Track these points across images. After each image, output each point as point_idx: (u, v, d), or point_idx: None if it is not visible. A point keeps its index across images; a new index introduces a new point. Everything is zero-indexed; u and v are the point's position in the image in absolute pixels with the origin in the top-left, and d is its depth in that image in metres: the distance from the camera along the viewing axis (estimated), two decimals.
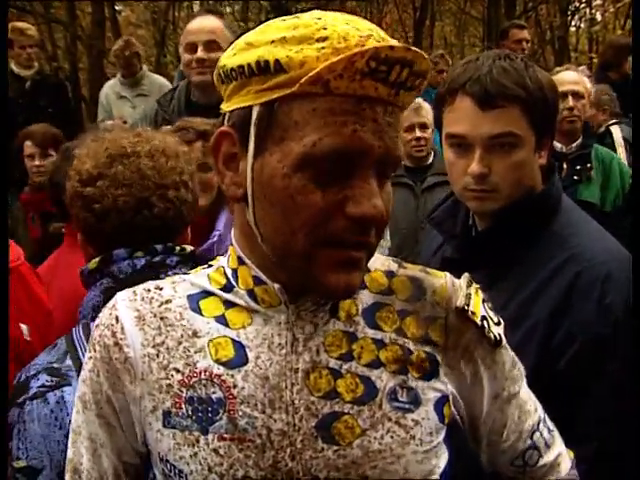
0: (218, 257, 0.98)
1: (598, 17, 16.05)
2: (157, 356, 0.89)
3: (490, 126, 1.32)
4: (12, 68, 4.79)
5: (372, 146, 0.77)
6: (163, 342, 0.90)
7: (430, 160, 3.50)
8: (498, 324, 0.97)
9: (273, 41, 0.78)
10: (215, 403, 0.86)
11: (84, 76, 12.53)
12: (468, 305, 0.93)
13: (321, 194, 0.78)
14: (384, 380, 0.88)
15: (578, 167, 3.15)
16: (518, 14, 11.97)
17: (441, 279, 0.96)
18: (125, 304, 0.92)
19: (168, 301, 0.92)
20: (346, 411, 0.86)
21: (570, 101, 3.10)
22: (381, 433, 0.86)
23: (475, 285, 0.98)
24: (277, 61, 0.77)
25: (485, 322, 0.94)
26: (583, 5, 15.32)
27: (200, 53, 2.99)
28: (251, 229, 0.85)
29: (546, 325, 1.30)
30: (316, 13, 0.81)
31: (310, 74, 0.74)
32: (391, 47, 0.74)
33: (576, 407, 1.26)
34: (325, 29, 0.77)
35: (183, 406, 0.87)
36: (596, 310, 1.27)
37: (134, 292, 0.94)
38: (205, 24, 3.07)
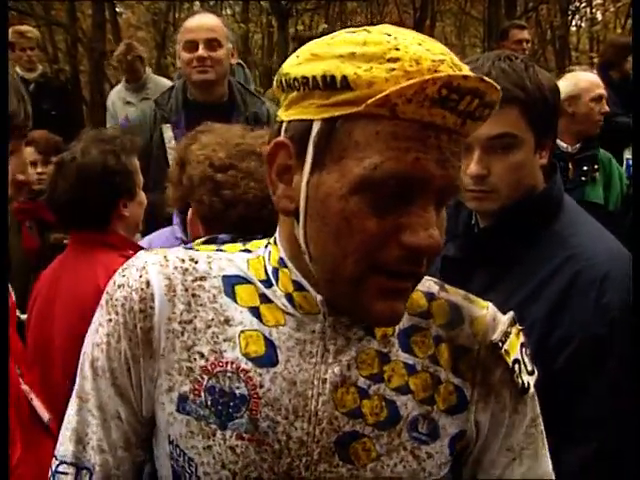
0: (254, 242, 0.95)
1: (599, 17, 16.05)
2: (182, 334, 0.86)
3: (488, 127, 1.28)
4: (17, 71, 4.77)
5: (434, 175, 0.75)
6: (191, 321, 0.86)
7: None
8: (531, 373, 0.93)
9: (341, 55, 0.75)
10: (238, 399, 0.84)
11: (85, 78, 12.54)
12: (503, 342, 0.90)
13: (377, 220, 0.75)
14: (409, 408, 0.87)
15: (585, 168, 3.16)
16: (519, 14, 11.95)
17: (482, 310, 0.93)
18: (156, 269, 0.87)
19: (203, 278, 0.88)
20: (367, 433, 0.85)
21: (605, 106, 3.12)
22: (395, 461, 0.85)
23: (518, 327, 0.94)
24: (344, 77, 0.74)
25: (517, 366, 0.91)
26: (584, 5, 15.31)
27: (201, 51, 2.98)
28: (298, 243, 0.83)
29: (544, 324, 1.30)
30: (387, 28, 0.78)
31: (378, 96, 0.72)
32: (465, 77, 0.72)
33: (574, 406, 1.27)
34: (397, 49, 0.74)
35: (202, 394, 0.85)
36: (594, 309, 1.28)
37: (165, 257, 0.89)
38: (205, 22, 3.07)
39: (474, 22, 15.93)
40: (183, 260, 0.89)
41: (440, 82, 0.71)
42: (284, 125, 0.82)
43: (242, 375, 0.84)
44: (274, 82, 0.86)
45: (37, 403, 1.38)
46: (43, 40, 13.09)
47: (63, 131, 3.81)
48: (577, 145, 3.20)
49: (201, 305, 0.87)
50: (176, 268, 0.88)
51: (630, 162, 4.23)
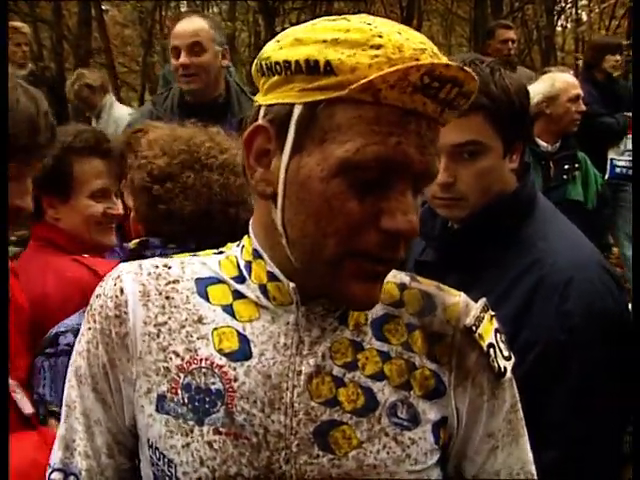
0: (229, 244, 0.96)
1: (584, 17, 16.17)
2: (157, 336, 0.88)
3: (453, 135, 1.30)
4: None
5: (414, 160, 0.77)
6: (165, 322, 0.88)
7: None
8: (508, 358, 0.94)
9: (325, 41, 0.76)
10: (214, 394, 0.85)
11: (70, 76, 12.46)
12: (477, 327, 0.91)
13: (358, 203, 0.76)
14: (386, 394, 0.87)
15: (566, 167, 3.20)
16: (505, 14, 12.00)
17: (455, 297, 0.94)
18: (131, 277, 0.90)
19: (175, 281, 0.90)
20: (345, 421, 0.85)
21: (581, 105, 3.16)
22: (377, 448, 0.85)
23: (491, 312, 0.95)
24: (328, 62, 0.75)
25: (492, 350, 0.92)
26: (569, 5, 15.41)
27: (183, 58, 2.97)
28: (274, 228, 0.84)
29: (511, 327, 1.29)
30: (366, 17, 0.79)
31: (362, 81, 0.73)
32: (446, 65, 0.73)
33: (539, 410, 1.26)
34: (380, 37, 0.75)
35: (179, 392, 0.86)
36: (555, 315, 1.29)
37: (140, 266, 0.92)
38: (188, 27, 3.04)
39: (460, 22, 15.99)
40: (156, 266, 0.92)
41: (423, 69, 0.72)
42: (262, 109, 0.83)
43: (217, 370, 0.85)
44: (253, 66, 0.86)
45: (19, 396, 1.39)
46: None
47: None
48: (557, 144, 3.25)
49: (175, 307, 0.89)
50: (149, 274, 0.90)
51: (614, 162, 4.28)
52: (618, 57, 4.63)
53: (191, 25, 3.05)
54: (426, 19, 15.24)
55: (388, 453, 0.85)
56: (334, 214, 0.77)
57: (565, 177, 3.19)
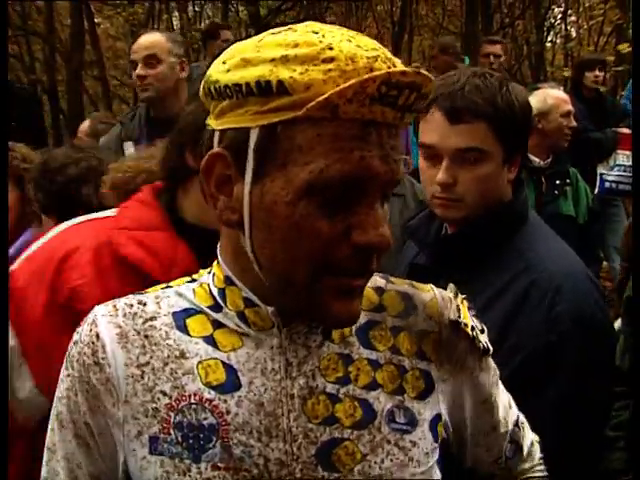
0: (201, 271, 0.94)
1: (573, 33, 16.32)
2: (142, 377, 0.85)
3: (457, 140, 1.37)
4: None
5: (379, 172, 0.75)
6: (148, 362, 0.85)
7: None
8: (483, 331, 0.98)
9: (274, 59, 0.73)
10: (207, 430, 0.82)
11: (63, 88, 12.46)
12: (460, 317, 0.93)
13: (327, 222, 0.75)
14: (382, 402, 0.87)
15: (557, 182, 3.23)
16: (495, 29, 12.12)
17: (429, 292, 0.95)
18: (106, 320, 0.87)
19: (152, 318, 0.87)
20: (346, 437, 0.84)
21: (573, 121, 3.19)
22: (381, 457, 0.85)
23: (461, 296, 0.98)
24: (280, 82, 0.72)
25: (474, 332, 0.94)
26: (558, 22, 15.56)
27: (139, 70, 3.10)
28: (244, 254, 0.82)
29: (500, 330, 1.34)
30: (313, 26, 0.77)
31: (319, 99, 0.70)
32: (403, 72, 0.72)
33: (524, 412, 1.29)
34: (331, 49, 0.73)
35: (172, 431, 0.83)
36: (545, 319, 1.32)
37: (114, 307, 0.88)
38: (143, 40, 3.18)
39: (452, 37, 16.10)
40: (131, 305, 0.89)
41: (380, 80, 0.71)
42: (217, 135, 0.80)
43: (207, 405, 0.83)
44: (200, 89, 0.83)
45: None
46: (20, 50, 13.02)
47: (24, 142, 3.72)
48: (548, 160, 3.27)
49: (155, 344, 0.86)
50: (125, 315, 0.87)
51: (604, 177, 4.32)
52: (597, 73, 4.68)
53: (147, 39, 3.18)
54: (417, 34, 15.36)
55: (392, 460, 0.85)
56: (304, 236, 0.75)
57: (556, 192, 3.22)
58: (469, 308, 0.97)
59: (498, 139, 1.38)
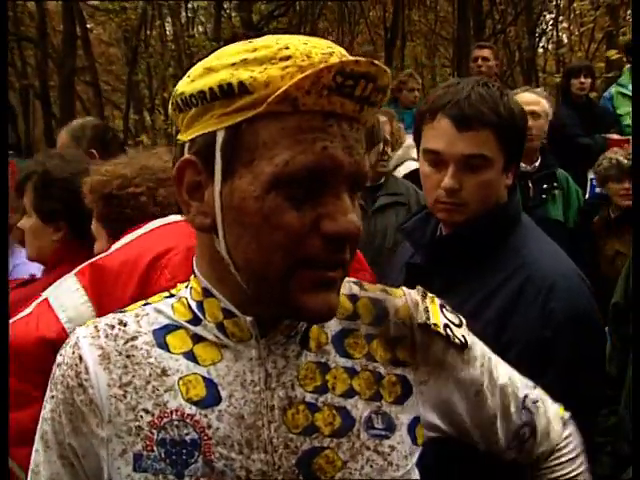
0: (179, 285, 0.94)
1: (565, 40, 16.42)
2: (124, 397, 0.85)
3: (464, 146, 1.41)
4: None
5: (343, 162, 0.76)
6: (130, 382, 0.85)
7: (382, 179, 3.20)
8: (460, 325, 0.98)
9: (234, 64, 0.76)
10: (189, 445, 0.83)
11: (55, 94, 12.45)
12: (429, 319, 0.93)
13: (296, 214, 0.76)
14: (360, 409, 0.87)
15: (545, 186, 3.23)
16: (487, 35, 12.19)
17: (401, 298, 0.96)
18: (88, 341, 0.87)
19: (134, 338, 0.88)
20: (326, 445, 0.84)
21: (537, 120, 3.16)
22: (361, 464, 0.85)
23: (430, 295, 0.98)
24: (241, 83, 0.75)
25: (448, 330, 0.95)
26: (550, 28, 15.67)
27: None
28: (220, 259, 0.82)
29: (495, 326, 1.37)
30: (271, 36, 0.80)
31: (277, 92, 0.73)
32: (356, 61, 0.74)
33: None
34: (287, 48, 0.76)
35: (155, 448, 0.83)
36: (540, 314, 1.36)
37: (96, 328, 0.89)
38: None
39: (444, 43, 16.18)
40: (112, 326, 0.89)
41: (334, 69, 0.73)
42: (187, 145, 0.82)
43: (188, 420, 0.83)
44: (169, 108, 0.86)
45: None
46: (12, 55, 13.00)
47: None
48: (535, 164, 3.28)
49: (137, 364, 0.86)
50: (107, 336, 0.88)
51: (594, 182, 4.34)
52: (582, 79, 4.71)
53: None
54: (410, 40, 15.42)
55: (372, 466, 0.86)
56: (274, 229, 0.76)
57: (544, 197, 3.22)
58: (442, 306, 0.98)
59: (501, 146, 1.42)
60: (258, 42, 0.78)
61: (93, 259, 1.54)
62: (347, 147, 0.77)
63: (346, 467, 0.85)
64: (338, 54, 0.77)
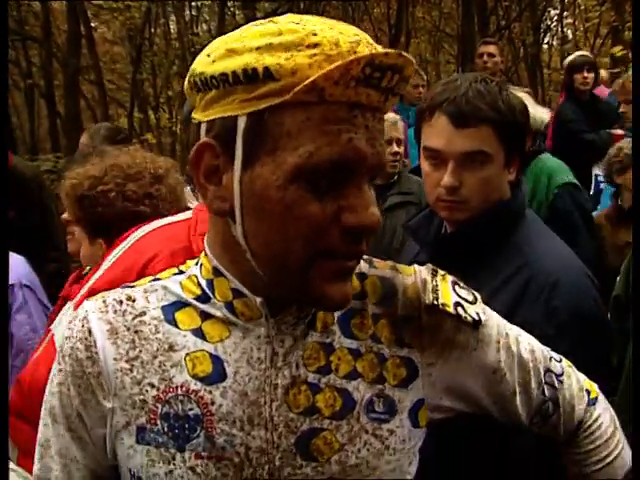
0: (188, 262, 0.95)
1: (569, 35, 16.37)
2: (130, 371, 0.87)
3: (463, 143, 1.40)
4: None
5: (366, 154, 0.76)
6: (137, 356, 0.87)
7: (394, 178, 3.25)
8: (474, 302, 0.96)
9: (259, 47, 0.74)
10: (192, 420, 0.84)
11: (60, 93, 12.47)
12: (437, 299, 0.91)
13: (318, 205, 0.76)
14: (361, 391, 0.88)
15: None
16: (491, 32, 12.15)
17: (411, 276, 0.94)
18: (96, 316, 0.89)
19: (142, 313, 0.89)
20: (325, 427, 0.85)
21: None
22: (358, 447, 0.86)
23: (441, 272, 0.96)
24: (266, 69, 0.73)
25: (460, 308, 0.93)
26: (555, 24, 15.62)
27: None
28: (234, 243, 0.82)
29: None
30: (292, 17, 0.78)
31: (306, 82, 0.72)
32: (386, 53, 0.73)
33: None
34: (315, 35, 0.74)
35: (158, 422, 0.85)
36: (543, 312, 1.35)
37: (104, 302, 0.90)
38: None
39: (448, 39, 16.15)
40: (121, 302, 0.90)
41: (364, 61, 0.72)
42: (204, 126, 0.81)
43: (193, 396, 0.85)
44: (185, 84, 0.84)
45: None
46: (17, 55, 13.02)
47: None
48: None
49: (145, 339, 0.88)
50: (116, 312, 0.89)
51: (600, 178, 4.33)
52: (585, 74, 4.67)
53: None
54: (414, 36, 15.38)
55: (368, 450, 0.86)
56: (296, 219, 0.76)
57: None
58: (454, 282, 0.96)
59: (501, 142, 1.41)
60: (283, 24, 0.76)
61: (86, 286, 1.54)
62: (370, 138, 0.77)
63: (343, 449, 0.85)
64: (365, 42, 0.76)
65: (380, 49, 0.76)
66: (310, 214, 0.76)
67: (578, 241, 2.74)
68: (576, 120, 4.49)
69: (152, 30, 14.16)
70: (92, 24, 12.93)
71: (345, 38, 0.75)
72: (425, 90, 5.13)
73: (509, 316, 1.37)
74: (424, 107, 1.47)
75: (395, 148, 3.24)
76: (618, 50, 7.11)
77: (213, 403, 0.84)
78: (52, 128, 12.63)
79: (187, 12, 14.13)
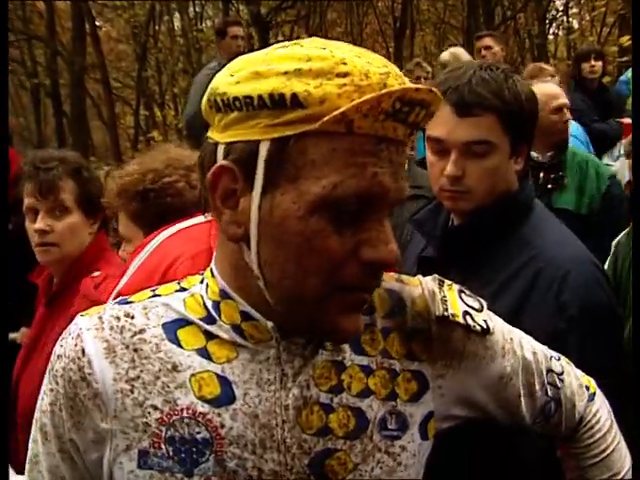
0: (189, 278, 0.92)
1: (575, 25, 16.27)
2: (131, 392, 0.82)
3: (466, 133, 1.38)
4: None
5: (390, 189, 0.75)
6: (138, 376, 0.83)
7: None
8: (480, 309, 0.96)
9: (287, 72, 0.73)
10: (200, 443, 0.81)
11: (65, 92, 12.50)
12: (447, 309, 0.91)
13: (338, 238, 0.74)
14: (374, 409, 0.86)
15: (552, 175, 3.19)
16: (497, 23, 12.10)
17: (418, 287, 0.93)
18: (91, 334, 0.84)
19: (142, 331, 0.85)
20: (339, 447, 0.84)
21: (567, 114, 3.15)
22: (372, 466, 0.85)
23: (447, 282, 0.96)
24: (294, 95, 0.71)
25: (468, 317, 0.92)
26: (560, 14, 15.52)
27: None
28: (246, 269, 0.80)
29: (509, 318, 1.34)
30: (317, 42, 0.77)
31: (335, 113, 0.70)
32: (417, 89, 0.73)
33: None
34: (345, 64, 0.73)
35: (163, 446, 0.81)
36: (553, 306, 1.34)
37: (100, 319, 0.86)
38: None
39: (453, 31, 16.09)
40: (118, 318, 0.86)
41: (395, 95, 0.71)
42: (222, 148, 0.78)
43: (200, 419, 0.82)
44: (204, 102, 0.82)
45: None
46: (22, 54, 13.06)
47: None
48: (548, 154, 3.23)
49: (145, 358, 0.84)
50: (112, 328, 0.85)
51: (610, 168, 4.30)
52: (593, 62, 4.64)
53: None
54: (419, 29, 15.34)
55: (381, 468, 0.85)
56: (315, 252, 0.74)
57: (549, 186, 3.16)
58: (460, 291, 0.96)
59: (505, 131, 1.39)
60: (311, 50, 0.75)
61: (115, 291, 1.54)
62: (394, 172, 0.76)
63: (357, 469, 0.84)
64: (394, 74, 0.75)
65: (410, 84, 0.75)
66: (330, 248, 0.75)
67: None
68: (586, 110, 4.45)
69: (156, 27, 14.17)
70: (97, 22, 12.95)
71: (375, 69, 0.74)
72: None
73: (518, 308, 1.37)
74: None
75: None
76: (626, 40, 7.05)
77: (223, 426, 0.82)
78: (58, 127, 12.66)
79: (191, 9, 14.13)
